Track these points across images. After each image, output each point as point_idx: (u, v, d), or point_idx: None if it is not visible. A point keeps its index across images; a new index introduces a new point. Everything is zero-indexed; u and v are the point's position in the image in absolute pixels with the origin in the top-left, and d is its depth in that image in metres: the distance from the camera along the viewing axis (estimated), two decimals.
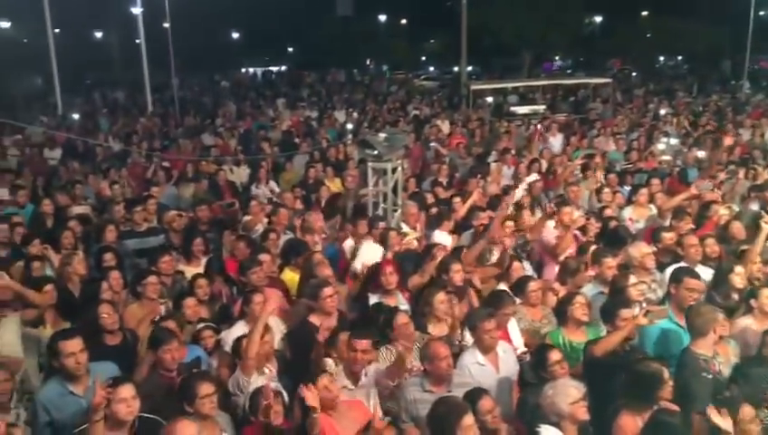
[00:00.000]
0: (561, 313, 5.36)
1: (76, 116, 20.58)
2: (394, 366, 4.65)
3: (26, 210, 9.22)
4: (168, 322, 5.27)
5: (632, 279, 5.69)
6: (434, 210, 8.40)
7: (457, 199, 8.85)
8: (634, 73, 38.69)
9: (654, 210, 8.38)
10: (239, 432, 4.40)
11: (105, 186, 10.42)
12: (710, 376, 4.43)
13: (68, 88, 24.70)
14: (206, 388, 4.12)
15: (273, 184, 11.46)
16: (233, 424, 4.48)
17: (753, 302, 5.34)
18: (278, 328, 5.67)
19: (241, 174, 12.59)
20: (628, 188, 9.65)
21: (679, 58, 48.33)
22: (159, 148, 14.33)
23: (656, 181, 9.25)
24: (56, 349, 4.39)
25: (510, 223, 7.59)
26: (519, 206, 8.27)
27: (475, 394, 4.14)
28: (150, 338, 4.91)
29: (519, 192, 8.68)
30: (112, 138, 16.05)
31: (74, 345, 4.39)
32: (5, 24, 41.21)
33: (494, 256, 6.74)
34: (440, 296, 5.41)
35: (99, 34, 46.68)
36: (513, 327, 5.42)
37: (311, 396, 3.95)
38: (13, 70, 33.33)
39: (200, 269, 6.83)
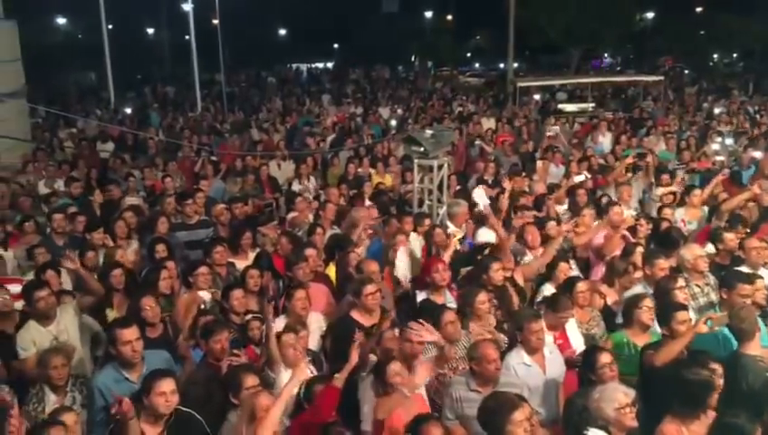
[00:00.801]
0: (626, 315, 5.24)
1: (128, 110, 21.10)
2: (436, 358, 4.64)
3: (79, 202, 9.54)
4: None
5: (680, 282, 5.55)
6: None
7: (503, 197, 8.77)
8: (686, 71, 37.63)
9: (706, 212, 8.16)
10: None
11: (157, 179, 10.70)
12: None
13: (120, 83, 25.33)
14: (250, 380, 4.21)
15: (312, 181, 11.57)
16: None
17: None
18: (319, 324, 5.74)
19: (287, 170, 12.74)
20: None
21: (734, 56, 46.80)
22: (208, 142, 14.60)
23: (712, 182, 8.96)
24: (113, 336, 4.54)
25: (552, 224, 7.51)
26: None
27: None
28: (201, 328, 5.01)
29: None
30: (163, 132, 16.44)
31: (131, 333, 4.53)
32: (62, 20, 42.60)
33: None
34: (481, 296, 5.38)
35: (150, 31, 47.75)
36: (573, 329, 5.36)
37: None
38: (68, 65, 34.42)
39: (248, 262, 6.93)
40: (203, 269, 6.02)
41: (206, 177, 10.75)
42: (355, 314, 5.42)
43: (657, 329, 5.17)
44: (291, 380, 4.08)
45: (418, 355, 4.70)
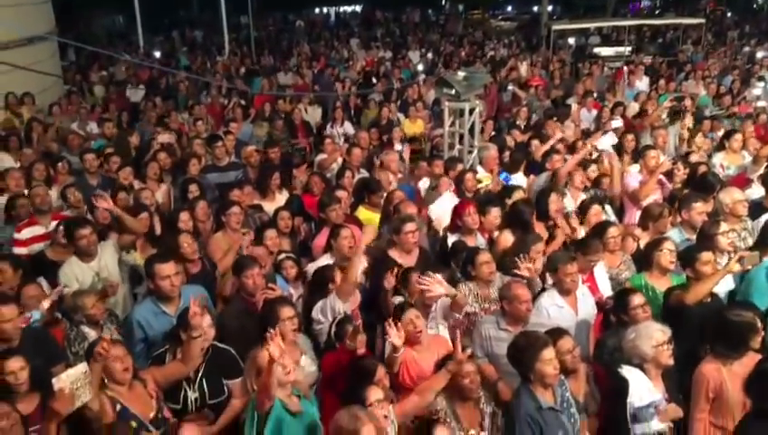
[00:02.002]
0: (647, 257, 5.19)
1: (157, 54, 21.05)
2: (452, 304, 4.67)
3: (113, 143, 9.63)
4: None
5: (723, 227, 5.44)
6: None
7: (536, 142, 8.66)
8: (728, 14, 36.11)
9: (747, 157, 7.94)
10: (320, 358, 4.53)
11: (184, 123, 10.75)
12: None
13: (148, 27, 25.18)
14: (287, 311, 4.28)
15: (347, 125, 11.51)
16: (313, 347, 4.64)
17: None
18: (362, 263, 5.77)
19: (314, 115, 12.69)
20: (718, 134, 9.17)
21: None
22: (237, 86, 14.55)
23: (749, 127, 8.71)
24: (152, 271, 4.63)
25: (594, 168, 7.41)
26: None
27: (555, 333, 4.10)
28: (234, 265, 5.09)
29: (606, 140, 8.33)
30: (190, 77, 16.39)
31: (169, 268, 4.62)
32: None
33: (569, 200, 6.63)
34: (538, 246, 5.33)
35: None
36: (601, 272, 5.33)
37: (394, 334, 4.02)
38: (96, 8, 34.24)
39: (277, 204, 6.96)
40: (235, 209, 6.07)
41: (236, 120, 10.75)
42: (393, 253, 5.45)
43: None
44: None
45: (431, 303, 4.72)
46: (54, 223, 6.02)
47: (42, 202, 6.26)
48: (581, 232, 5.98)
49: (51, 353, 4.35)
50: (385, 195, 6.63)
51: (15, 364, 3.80)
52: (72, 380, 3.20)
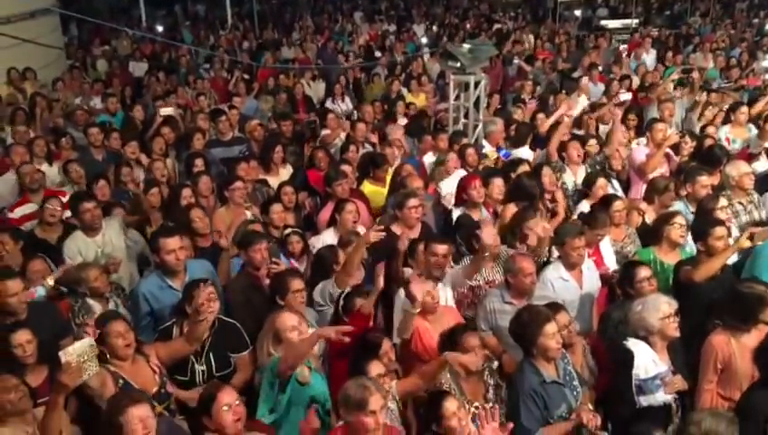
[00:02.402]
0: (656, 231, 5.16)
1: (160, 28, 20.87)
2: (471, 266, 4.64)
3: (117, 118, 9.62)
4: (255, 225, 5.45)
5: (722, 201, 5.40)
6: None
7: (541, 115, 8.59)
8: None
9: (753, 130, 7.86)
10: None
11: (189, 98, 10.69)
12: None
13: (151, 1, 24.93)
14: (297, 283, 4.31)
15: (348, 100, 11.43)
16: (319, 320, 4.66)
17: None
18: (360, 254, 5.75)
19: (318, 89, 12.60)
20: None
21: None
22: (240, 60, 14.44)
23: (761, 101, 8.60)
24: (157, 245, 4.64)
25: (592, 142, 7.36)
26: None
27: (552, 308, 4.09)
28: (240, 239, 5.09)
29: (580, 104, 8.29)
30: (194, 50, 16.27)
31: (174, 242, 4.63)
32: None
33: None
34: (534, 222, 5.26)
35: None
36: (606, 246, 5.32)
37: (418, 287, 4.02)
38: None
39: (281, 179, 6.96)
40: (239, 184, 6.06)
41: (239, 94, 10.67)
42: (396, 229, 5.44)
43: (688, 248, 5.10)
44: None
45: (443, 270, 4.72)
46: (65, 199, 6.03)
47: (32, 180, 6.24)
48: (587, 206, 5.94)
49: (57, 327, 4.39)
50: (392, 169, 6.59)
51: (23, 337, 3.84)
52: (78, 353, 3.22)
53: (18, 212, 6.05)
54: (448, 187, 6.51)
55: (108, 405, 3.37)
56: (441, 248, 4.70)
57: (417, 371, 3.81)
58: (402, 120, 9.40)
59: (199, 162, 6.89)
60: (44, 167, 6.91)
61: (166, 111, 9.07)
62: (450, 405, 3.35)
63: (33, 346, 3.86)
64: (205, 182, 6.34)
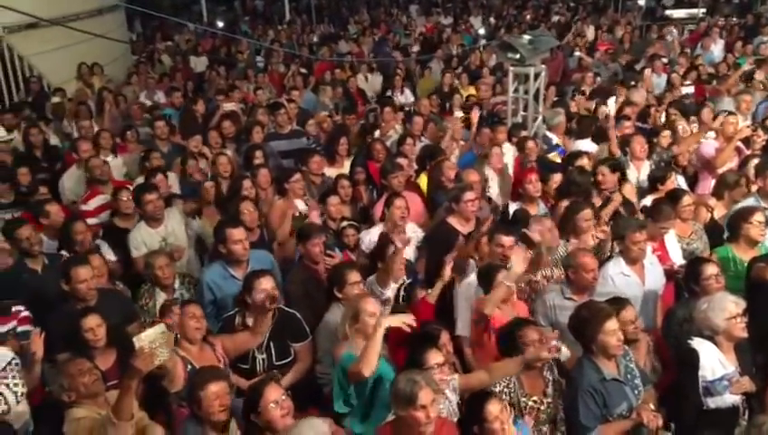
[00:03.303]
0: (733, 228, 4.98)
1: (220, 24, 21.30)
2: (530, 261, 4.59)
3: (181, 112, 9.87)
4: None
5: None
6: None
7: (603, 108, 8.38)
8: None
9: None
10: None
11: (249, 92, 10.89)
12: None
13: None
14: (354, 276, 4.36)
15: (408, 92, 11.41)
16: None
17: None
18: (414, 233, 5.77)
19: (375, 82, 12.62)
20: None
21: None
22: (298, 54, 14.62)
23: None
24: (224, 236, 4.75)
25: (666, 133, 7.15)
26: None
27: (618, 303, 4.02)
28: (299, 232, 5.16)
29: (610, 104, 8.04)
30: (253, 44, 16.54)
31: (240, 233, 4.75)
32: None
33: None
34: (586, 213, 5.18)
35: None
36: (672, 241, 5.18)
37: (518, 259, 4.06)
38: None
39: (343, 171, 7.01)
40: (297, 176, 6.13)
41: (297, 88, 10.80)
42: (452, 221, 5.42)
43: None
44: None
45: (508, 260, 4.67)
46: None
47: (101, 173, 6.44)
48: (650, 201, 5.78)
49: (126, 312, 4.56)
50: (435, 164, 6.56)
51: (93, 322, 3.99)
52: (150, 339, 3.33)
53: (92, 204, 6.25)
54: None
55: (191, 379, 3.56)
56: (507, 240, 4.66)
57: (488, 368, 3.75)
58: (458, 113, 9.34)
59: (259, 154, 6.99)
60: (110, 159, 7.14)
61: (228, 105, 9.29)
62: (493, 408, 3.28)
63: (102, 330, 4.01)
64: (264, 174, 6.42)
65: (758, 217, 4.86)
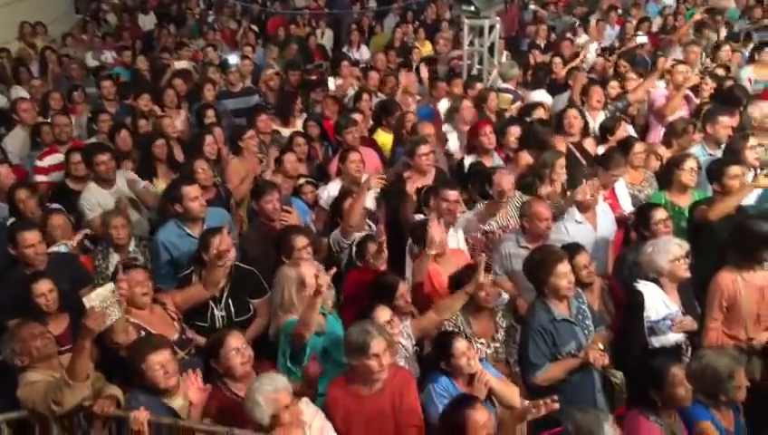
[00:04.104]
0: (667, 175, 5.10)
1: None
2: (485, 210, 4.63)
3: (129, 71, 9.57)
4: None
5: (751, 141, 5.28)
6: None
7: (557, 60, 8.44)
8: None
9: None
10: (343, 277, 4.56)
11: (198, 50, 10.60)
12: None
13: None
14: (300, 240, 4.32)
15: (364, 48, 11.26)
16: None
17: None
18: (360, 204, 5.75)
19: (328, 38, 12.40)
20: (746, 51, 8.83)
21: None
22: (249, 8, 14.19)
23: None
24: (179, 193, 4.67)
25: (615, 84, 7.23)
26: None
27: (572, 249, 4.12)
28: (253, 190, 5.11)
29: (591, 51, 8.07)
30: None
31: (195, 190, 4.69)
32: None
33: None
34: (561, 162, 5.25)
35: None
36: (622, 189, 5.29)
37: (436, 230, 4.06)
38: None
39: (295, 129, 6.91)
40: (251, 133, 6.03)
41: (250, 44, 10.55)
42: (409, 175, 5.42)
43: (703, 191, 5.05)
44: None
45: (454, 216, 4.73)
46: None
47: (61, 132, 6.29)
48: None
49: (78, 277, 4.46)
50: (399, 118, 6.54)
51: (44, 287, 3.91)
52: (101, 298, 3.30)
53: (47, 161, 6.08)
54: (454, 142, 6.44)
55: (129, 352, 3.50)
56: (452, 194, 4.70)
57: (434, 306, 3.85)
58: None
59: (210, 113, 6.87)
60: None
61: (180, 64, 9.05)
62: (460, 345, 3.41)
63: (54, 295, 3.93)
64: (218, 133, 6.31)
65: (690, 163, 4.98)
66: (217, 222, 4.64)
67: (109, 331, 3.51)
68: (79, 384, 3.29)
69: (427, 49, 10.73)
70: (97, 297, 3.27)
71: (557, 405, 2.97)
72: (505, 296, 4.10)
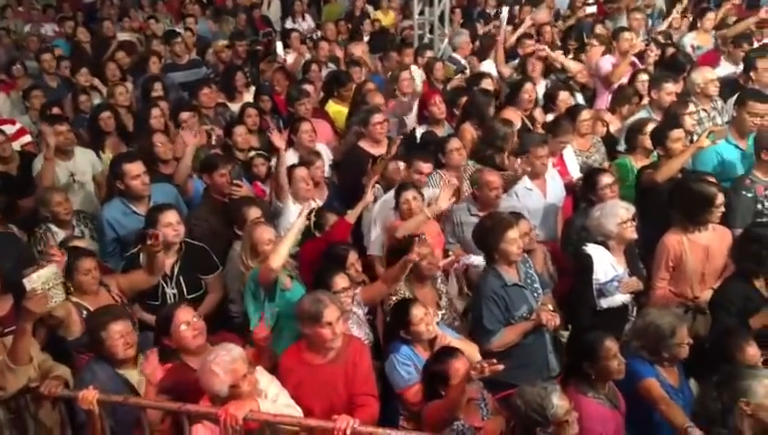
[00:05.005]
0: (631, 140, 5.19)
1: None
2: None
3: (70, 44, 9.22)
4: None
5: (690, 107, 5.42)
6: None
7: (508, 28, 8.44)
8: None
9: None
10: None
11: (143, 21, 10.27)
12: (750, 195, 4.41)
13: None
14: (253, 212, 4.28)
15: (309, 18, 11.07)
16: None
17: None
18: (327, 156, 5.72)
19: (276, 9, 12.13)
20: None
21: None
22: None
23: (728, 5, 8.55)
24: (120, 171, 4.54)
25: (559, 52, 7.30)
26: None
27: (513, 216, 4.16)
28: (203, 162, 5.00)
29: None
30: None
31: (138, 167, 4.55)
32: None
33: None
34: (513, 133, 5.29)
35: None
36: (570, 155, 5.37)
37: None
38: None
39: (245, 101, 6.77)
40: (187, 115, 5.83)
41: (194, 15, 10.27)
42: (364, 144, 5.41)
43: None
44: (301, 214, 3.99)
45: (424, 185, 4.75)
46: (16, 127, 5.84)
47: None
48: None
49: (20, 256, 4.32)
50: (354, 86, 6.48)
51: None
52: (43, 280, 3.21)
53: None
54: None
55: (89, 321, 3.46)
56: (426, 166, 4.74)
57: (381, 276, 3.89)
58: (367, 39, 9.18)
59: (157, 87, 6.67)
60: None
61: (123, 35, 8.76)
62: (417, 311, 3.45)
63: None
64: (164, 107, 6.14)
65: (651, 127, 5.08)
66: (165, 198, 4.59)
67: (51, 314, 3.43)
68: (20, 368, 3.21)
69: (389, 19, 10.64)
70: (39, 279, 3.18)
71: (501, 367, 3.02)
72: (476, 259, 4.16)
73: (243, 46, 8.40)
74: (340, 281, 3.63)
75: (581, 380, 3.23)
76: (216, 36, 9.66)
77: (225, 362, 2.92)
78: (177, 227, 4.14)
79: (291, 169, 4.90)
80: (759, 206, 4.44)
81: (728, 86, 6.10)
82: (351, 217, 4.41)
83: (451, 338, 3.58)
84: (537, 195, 4.87)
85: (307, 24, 10.83)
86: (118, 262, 4.40)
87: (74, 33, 9.29)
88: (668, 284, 4.14)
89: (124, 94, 6.40)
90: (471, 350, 3.55)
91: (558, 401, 2.85)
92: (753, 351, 3.34)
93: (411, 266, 3.72)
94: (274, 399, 3.08)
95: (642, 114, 5.72)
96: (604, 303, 3.93)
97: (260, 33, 10.24)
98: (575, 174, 5.29)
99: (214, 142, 5.81)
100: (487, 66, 7.33)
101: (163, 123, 5.79)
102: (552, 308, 3.81)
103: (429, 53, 7.51)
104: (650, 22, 9.08)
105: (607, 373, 3.21)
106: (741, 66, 6.42)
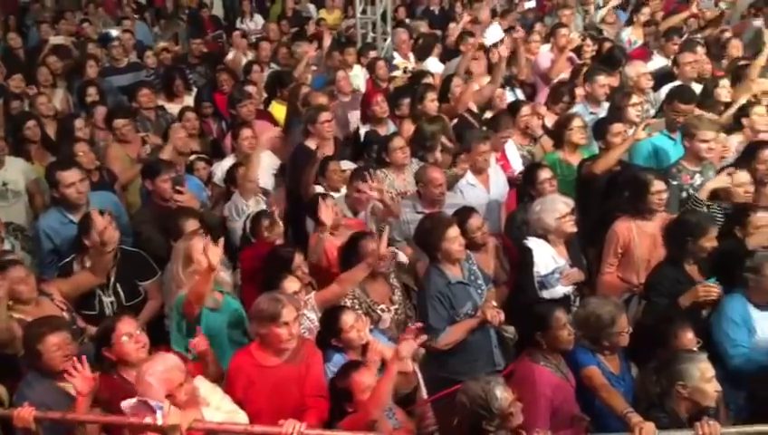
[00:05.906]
0: (558, 135, 5.30)
1: None
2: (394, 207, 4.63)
3: (1, 48, 8.91)
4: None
5: (633, 99, 5.54)
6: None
7: (451, 24, 8.54)
8: None
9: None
10: (236, 255, 4.51)
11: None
12: (675, 183, 4.55)
13: None
14: (191, 224, 4.20)
15: (258, 17, 10.96)
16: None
17: (744, 120, 5.32)
18: (270, 161, 5.67)
19: (217, 7, 11.98)
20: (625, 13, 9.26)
21: None
22: None
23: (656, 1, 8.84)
24: (55, 179, 4.40)
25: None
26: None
27: (464, 212, 4.23)
28: (146, 169, 4.88)
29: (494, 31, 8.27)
30: None
31: (73, 175, 4.40)
32: None
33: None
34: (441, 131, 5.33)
35: None
36: (512, 150, 5.45)
37: (325, 211, 4.05)
38: None
39: (186, 104, 6.67)
40: (123, 122, 5.64)
41: (127, 18, 10.05)
42: (310, 144, 5.34)
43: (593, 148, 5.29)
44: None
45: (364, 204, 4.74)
46: None
47: None
48: None
49: None
50: (292, 89, 6.43)
51: None
52: None
53: None
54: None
55: (25, 334, 3.32)
56: (365, 186, 4.63)
57: (337, 279, 3.83)
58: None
59: (92, 91, 6.51)
60: None
61: (56, 39, 8.49)
62: (348, 318, 3.40)
63: None
64: (101, 112, 6.01)
65: (577, 122, 5.22)
66: (104, 207, 4.44)
67: None
68: None
69: (334, 17, 10.59)
70: None
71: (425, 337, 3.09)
72: (404, 257, 4.17)
73: (198, 45, 8.34)
74: (291, 284, 3.59)
75: (534, 350, 3.36)
76: (156, 38, 9.47)
77: (159, 371, 2.86)
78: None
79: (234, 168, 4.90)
80: (684, 193, 4.60)
81: (661, 79, 6.29)
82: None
83: (383, 345, 3.53)
84: (481, 190, 4.93)
85: (255, 23, 10.72)
86: (55, 273, 4.24)
87: (3, 38, 8.98)
88: (617, 270, 4.26)
89: (45, 104, 6.20)
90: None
91: (502, 394, 2.89)
92: (689, 335, 3.44)
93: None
94: (218, 406, 3.03)
95: (579, 108, 5.86)
96: (546, 294, 3.99)
97: (208, 33, 10.14)
98: (518, 168, 5.38)
99: (149, 149, 5.68)
100: (430, 64, 7.38)
101: (88, 133, 5.66)
102: (495, 304, 3.85)
103: (372, 53, 7.51)
104: (595, 17, 9.27)
105: (557, 343, 3.34)
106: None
